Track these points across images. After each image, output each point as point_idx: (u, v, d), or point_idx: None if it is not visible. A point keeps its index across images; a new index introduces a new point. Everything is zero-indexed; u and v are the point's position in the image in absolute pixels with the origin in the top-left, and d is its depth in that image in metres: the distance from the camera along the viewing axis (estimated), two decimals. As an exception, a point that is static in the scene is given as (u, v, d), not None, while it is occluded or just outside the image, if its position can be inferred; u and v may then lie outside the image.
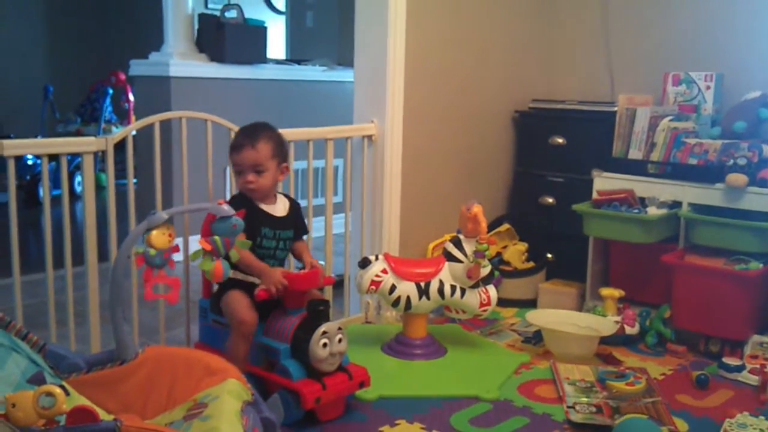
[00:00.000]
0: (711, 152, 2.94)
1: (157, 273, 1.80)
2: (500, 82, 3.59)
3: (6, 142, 2.06)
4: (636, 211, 2.96)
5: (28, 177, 5.64)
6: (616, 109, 3.23)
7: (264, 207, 2.35)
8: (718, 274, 2.76)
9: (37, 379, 1.55)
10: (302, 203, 2.99)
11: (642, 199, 3.04)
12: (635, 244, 2.98)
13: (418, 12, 3.07)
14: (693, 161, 2.98)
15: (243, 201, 2.28)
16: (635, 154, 3.14)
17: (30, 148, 2.35)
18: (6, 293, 2.07)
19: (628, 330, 2.90)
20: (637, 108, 3.15)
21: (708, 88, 3.18)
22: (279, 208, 2.39)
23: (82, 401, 1.58)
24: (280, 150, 2.37)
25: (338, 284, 2.96)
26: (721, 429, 2.18)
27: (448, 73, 3.31)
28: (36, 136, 5.89)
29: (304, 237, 2.50)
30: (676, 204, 2.99)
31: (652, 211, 2.96)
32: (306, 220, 2.56)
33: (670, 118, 3.11)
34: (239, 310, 2.21)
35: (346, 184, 3.06)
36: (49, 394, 1.35)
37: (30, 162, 5.66)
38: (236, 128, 2.55)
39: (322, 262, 2.88)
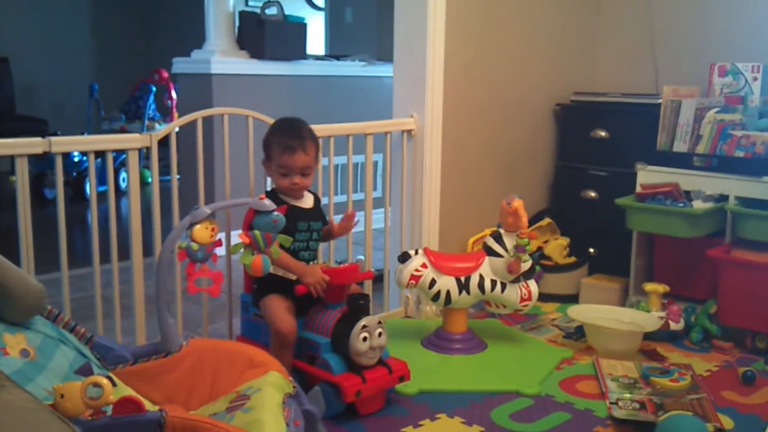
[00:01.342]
0: (758, 144, 2.88)
1: (199, 267, 1.82)
2: (541, 75, 3.55)
3: (54, 139, 2.11)
4: (681, 204, 2.91)
5: (74, 173, 5.75)
6: (660, 101, 3.18)
7: (294, 202, 2.36)
8: (765, 269, 2.70)
9: (85, 371, 1.59)
10: (342, 198, 3.01)
11: (687, 193, 2.98)
12: (680, 238, 2.93)
13: (457, 5, 3.06)
14: (740, 154, 2.92)
15: (276, 199, 2.28)
16: (680, 146, 3.08)
17: (77, 145, 2.40)
18: (54, 287, 2.12)
19: (673, 326, 2.86)
20: (682, 100, 3.09)
21: (755, 79, 3.10)
22: (308, 200, 2.42)
23: (129, 392, 1.62)
24: (319, 148, 2.41)
25: (378, 279, 2.97)
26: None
27: (488, 67, 3.28)
28: (82, 134, 6.00)
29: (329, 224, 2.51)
30: (723, 197, 2.93)
31: (698, 204, 2.90)
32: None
33: (716, 110, 3.05)
34: (277, 319, 2.22)
35: (386, 179, 3.07)
36: (97, 384, 1.37)
37: (76, 159, 5.78)
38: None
39: (361, 257, 2.89)
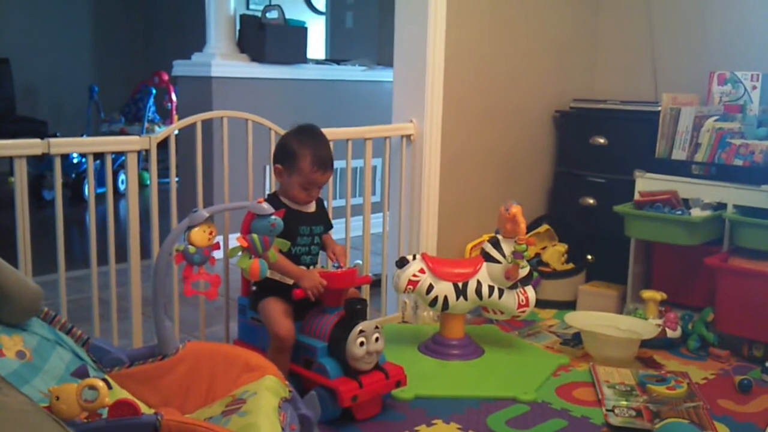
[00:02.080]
0: (757, 153, 2.88)
1: (197, 270, 1.82)
2: (541, 81, 3.56)
3: (53, 140, 2.11)
4: (679, 212, 2.91)
5: (73, 175, 5.75)
6: (659, 108, 3.18)
7: (297, 207, 2.36)
8: (762, 278, 2.70)
9: (81, 373, 1.59)
10: (340, 203, 3.01)
11: (685, 201, 2.99)
12: (678, 246, 2.93)
13: (457, 11, 3.06)
14: (738, 162, 2.92)
15: (277, 203, 2.29)
16: (679, 154, 3.09)
17: (76, 146, 2.41)
18: (51, 289, 2.11)
19: (670, 333, 2.85)
20: (681, 107, 3.09)
21: (754, 87, 3.11)
22: (310, 205, 2.42)
23: (124, 395, 1.61)
24: None
25: (376, 283, 2.97)
26: (765, 436, 2.13)
27: (488, 73, 3.29)
28: (81, 135, 6.01)
29: (329, 231, 2.51)
30: (721, 206, 2.93)
31: (696, 212, 2.91)
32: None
33: (715, 118, 3.05)
34: (276, 322, 2.21)
35: (385, 183, 3.07)
36: (92, 387, 1.37)
37: (75, 160, 5.78)
38: (276, 128, 2.57)
39: (359, 261, 2.89)
